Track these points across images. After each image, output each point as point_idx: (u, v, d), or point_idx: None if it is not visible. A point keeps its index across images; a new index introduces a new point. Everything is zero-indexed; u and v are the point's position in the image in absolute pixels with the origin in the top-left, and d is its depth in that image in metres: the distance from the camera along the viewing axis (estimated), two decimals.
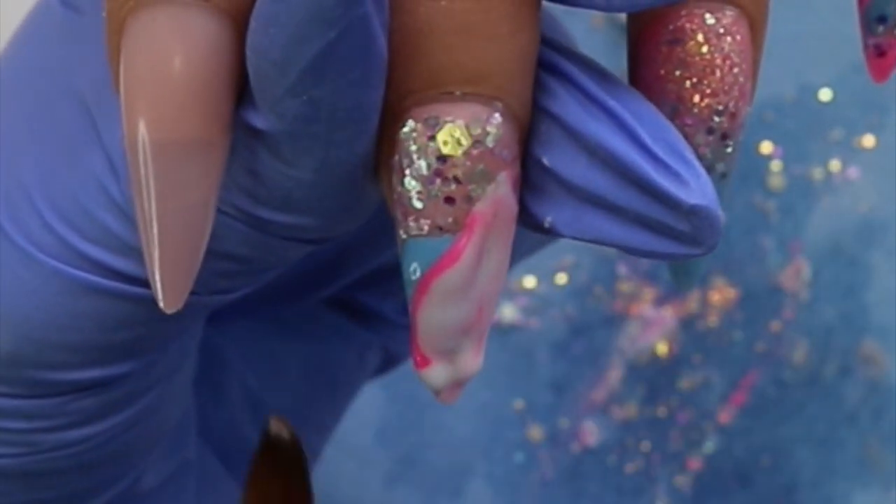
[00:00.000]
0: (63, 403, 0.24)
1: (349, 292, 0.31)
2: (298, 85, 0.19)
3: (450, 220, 0.20)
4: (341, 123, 0.20)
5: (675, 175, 0.20)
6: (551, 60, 0.21)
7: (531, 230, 0.22)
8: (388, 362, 0.33)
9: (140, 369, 0.24)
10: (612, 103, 0.21)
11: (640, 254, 0.21)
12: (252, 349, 0.30)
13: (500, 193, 0.21)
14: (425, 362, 0.22)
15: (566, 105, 0.21)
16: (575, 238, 0.21)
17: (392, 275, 0.30)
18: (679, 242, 0.20)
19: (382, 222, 0.23)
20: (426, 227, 0.21)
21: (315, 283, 0.29)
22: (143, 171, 0.20)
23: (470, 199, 0.20)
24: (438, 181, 0.20)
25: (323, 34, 0.19)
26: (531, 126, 0.21)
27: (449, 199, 0.20)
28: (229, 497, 0.30)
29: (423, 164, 0.20)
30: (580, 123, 0.21)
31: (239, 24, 0.20)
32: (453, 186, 0.20)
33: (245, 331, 0.30)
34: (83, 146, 0.22)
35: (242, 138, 0.21)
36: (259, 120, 0.20)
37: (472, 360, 0.22)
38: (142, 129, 0.20)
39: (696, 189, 0.20)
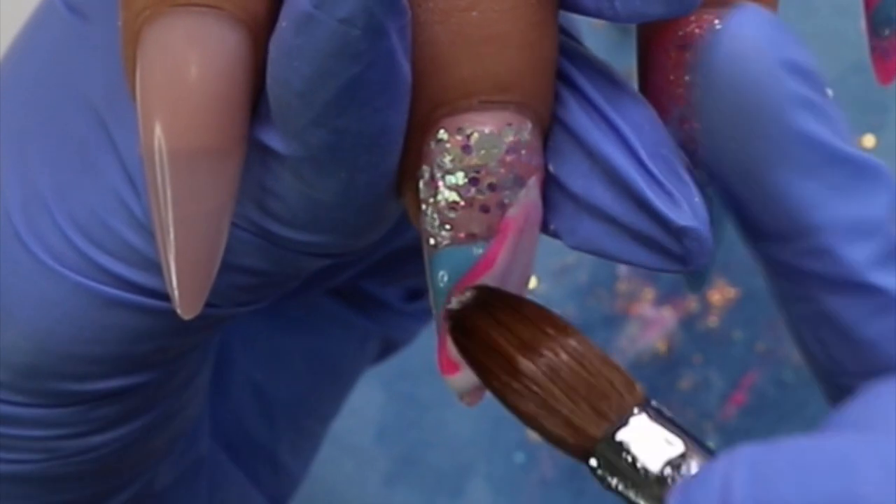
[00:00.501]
0: (84, 412, 0.24)
1: (353, 281, 0.31)
2: (323, 116, 0.19)
3: (484, 227, 0.21)
4: (366, 149, 0.20)
5: (669, 194, 0.20)
6: (562, 67, 0.21)
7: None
8: (387, 349, 0.33)
9: (161, 378, 0.24)
10: (614, 115, 0.21)
11: (632, 265, 0.21)
12: (256, 342, 0.31)
13: (530, 198, 0.21)
14: (453, 368, 0.22)
15: (573, 113, 0.21)
16: (576, 248, 0.21)
17: (395, 263, 0.30)
18: (668, 259, 0.21)
19: None
20: (461, 236, 0.21)
21: (323, 275, 0.30)
22: (159, 179, 0.20)
23: (503, 206, 0.20)
24: (473, 190, 0.20)
25: (348, 68, 0.19)
26: None
27: (484, 207, 0.20)
28: (239, 489, 0.30)
29: (458, 173, 0.20)
30: (584, 133, 0.21)
31: (255, 33, 0.20)
32: (488, 194, 0.20)
33: (249, 324, 0.30)
34: (99, 157, 0.22)
35: (262, 158, 0.21)
36: (281, 145, 0.20)
37: None
38: (158, 137, 0.20)
39: (688, 210, 0.20)
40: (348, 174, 0.20)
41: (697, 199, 0.20)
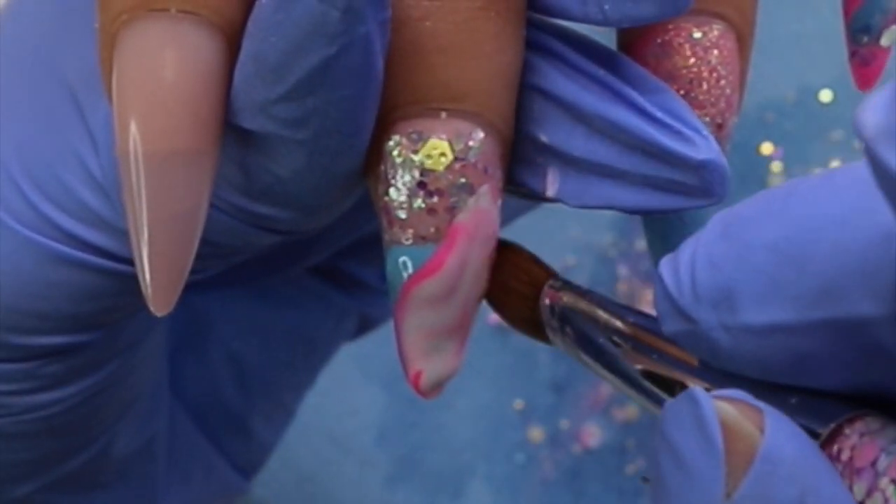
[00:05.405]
0: (32, 368, 0.24)
1: (332, 260, 0.32)
2: (293, 92, 0.20)
3: (432, 230, 0.21)
4: (329, 134, 0.20)
5: (678, 133, 0.21)
6: (537, 39, 0.22)
7: (538, 201, 0.23)
8: (365, 326, 0.34)
9: (105, 338, 0.25)
10: (601, 73, 0.21)
11: (649, 212, 0.21)
12: (237, 314, 0.31)
13: (481, 205, 0.21)
14: (416, 372, 0.22)
15: (555, 80, 0.21)
16: (583, 207, 0.22)
17: (373, 244, 0.31)
18: (689, 197, 0.21)
19: (364, 196, 0.23)
20: (410, 236, 0.21)
21: (301, 252, 0.30)
22: (134, 181, 0.20)
23: (452, 211, 0.21)
24: (421, 193, 0.21)
25: (323, 48, 0.19)
26: (524, 106, 0.22)
27: (431, 211, 0.21)
28: (204, 459, 0.31)
29: (406, 176, 0.21)
30: (573, 96, 0.21)
31: (230, 38, 0.20)
32: (435, 199, 0.21)
33: (231, 297, 0.31)
34: (65, 124, 0.22)
35: (226, 131, 0.21)
36: (246, 120, 0.20)
37: (453, 360, 0.22)
38: (134, 139, 0.20)
39: (702, 145, 0.21)
40: (307, 156, 0.21)
41: (706, 132, 0.21)
